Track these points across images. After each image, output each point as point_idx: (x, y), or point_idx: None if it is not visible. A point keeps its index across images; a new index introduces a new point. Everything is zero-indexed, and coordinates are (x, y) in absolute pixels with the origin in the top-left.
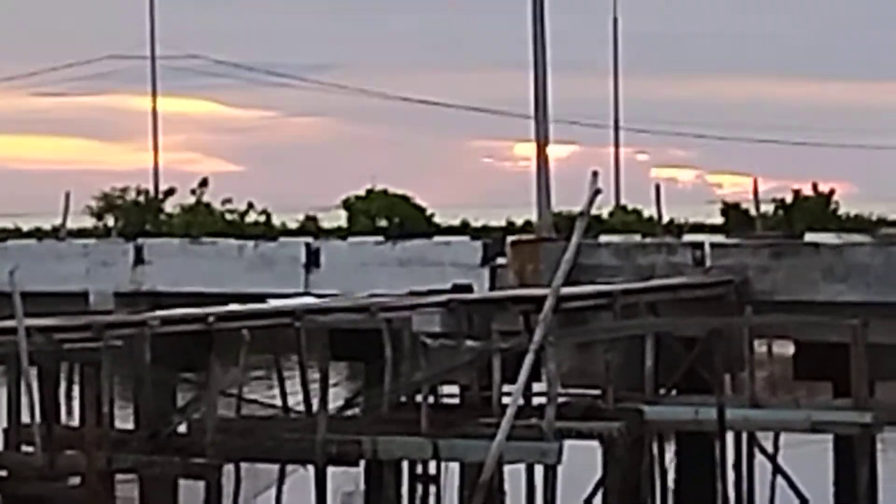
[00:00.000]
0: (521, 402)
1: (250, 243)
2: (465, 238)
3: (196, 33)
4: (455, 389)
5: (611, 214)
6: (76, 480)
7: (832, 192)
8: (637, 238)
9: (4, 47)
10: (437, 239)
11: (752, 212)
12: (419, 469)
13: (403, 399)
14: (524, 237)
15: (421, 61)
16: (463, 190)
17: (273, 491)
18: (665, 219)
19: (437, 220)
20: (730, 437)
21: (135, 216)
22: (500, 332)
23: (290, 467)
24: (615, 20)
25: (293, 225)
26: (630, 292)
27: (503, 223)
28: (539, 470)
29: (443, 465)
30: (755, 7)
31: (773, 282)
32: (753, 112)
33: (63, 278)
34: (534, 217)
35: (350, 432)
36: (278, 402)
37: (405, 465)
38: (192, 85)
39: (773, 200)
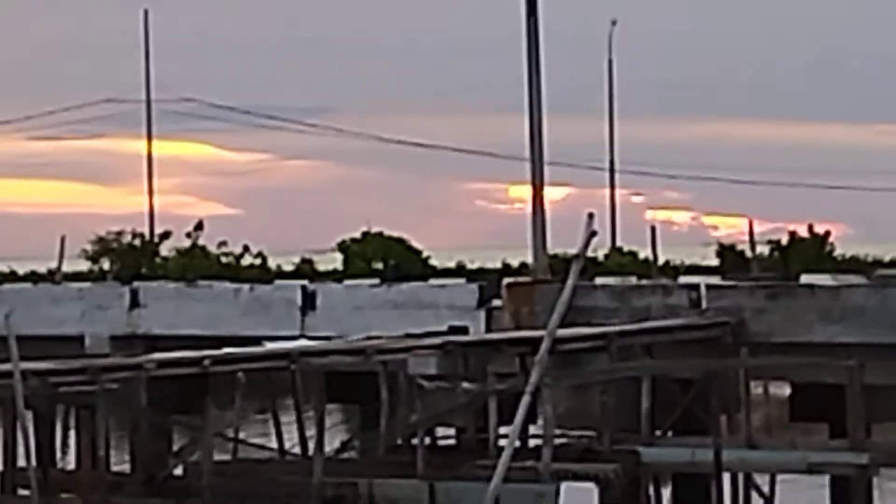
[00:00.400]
0: (517, 444)
1: (246, 286)
2: (461, 280)
3: (191, 77)
4: (451, 431)
5: (606, 256)
6: None
7: (828, 233)
8: (633, 280)
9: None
10: (432, 281)
11: (748, 253)
12: None
13: (399, 441)
14: (520, 279)
15: (416, 104)
16: (458, 232)
17: None
18: (661, 260)
19: (432, 262)
20: (726, 478)
21: (130, 259)
22: (497, 374)
23: None
24: (610, 62)
25: (289, 268)
26: (626, 334)
27: (499, 265)
28: None
29: None
30: (749, 50)
31: (770, 323)
32: (749, 154)
33: (59, 322)
34: (529, 259)
35: (346, 475)
36: (274, 444)
37: None
38: (188, 128)
39: (769, 242)
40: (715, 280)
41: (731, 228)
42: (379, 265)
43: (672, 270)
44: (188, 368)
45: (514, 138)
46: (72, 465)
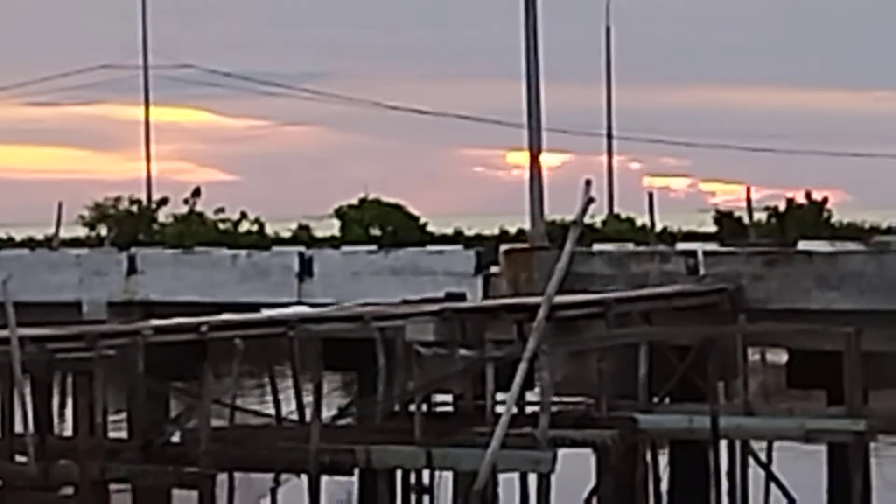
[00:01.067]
0: (514, 410)
1: (243, 253)
2: (459, 247)
3: (188, 43)
4: (448, 398)
5: (604, 223)
6: (69, 490)
7: (825, 200)
8: (630, 246)
9: None
10: (430, 248)
11: (746, 220)
12: (413, 478)
13: (397, 408)
14: (517, 246)
15: (413, 70)
16: (456, 199)
17: (267, 500)
18: (658, 227)
19: (430, 228)
20: (723, 445)
21: (128, 226)
22: (494, 341)
23: (283, 476)
24: (608, 29)
25: (286, 234)
26: (623, 301)
27: (496, 232)
28: (533, 478)
29: (436, 473)
30: (748, 16)
31: (767, 290)
32: (746, 120)
33: (56, 288)
34: (527, 226)
35: (343, 441)
36: (272, 411)
37: (399, 474)
38: (185, 94)
39: (767, 208)
40: (712, 247)
41: (728, 195)
42: (376, 231)
43: (669, 237)
44: (185, 335)
45: (512, 105)
46: (69, 432)
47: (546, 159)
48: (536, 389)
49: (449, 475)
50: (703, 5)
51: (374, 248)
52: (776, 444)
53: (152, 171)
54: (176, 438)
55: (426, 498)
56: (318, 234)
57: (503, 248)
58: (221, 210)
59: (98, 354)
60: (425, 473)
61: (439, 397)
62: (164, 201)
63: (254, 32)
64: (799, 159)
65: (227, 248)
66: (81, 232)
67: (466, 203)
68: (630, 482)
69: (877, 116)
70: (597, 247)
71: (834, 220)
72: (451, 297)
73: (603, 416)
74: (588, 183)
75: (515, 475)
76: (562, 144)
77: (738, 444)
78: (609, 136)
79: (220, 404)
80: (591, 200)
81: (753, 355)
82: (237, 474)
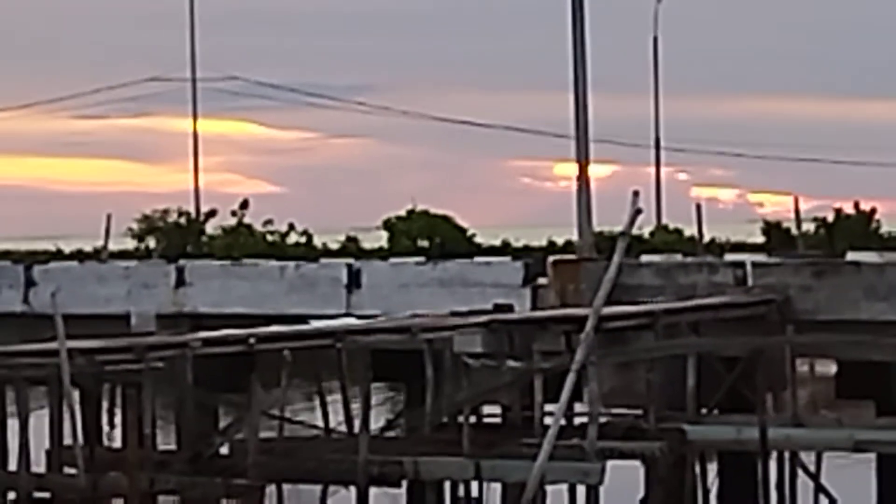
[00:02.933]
0: (562, 422)
1: (291, 264)
2: (506, 258)
3: (236, 55)
4: (497, 409)
5: (652, 234)
6: (119, 502)
7: (874, 210)
8: (678, 257)
9: (46, 70)
10: (477, 259)
11: (794, 231)
12: (461, 490)
13: (445, 419)
14: (565, 257)
15: (461, 82)
16: (503, 210)
17: None
18: (706, 238)
19: (477, 240)
20: (772, 456)
21: (176, 238)
22: (542, 352)
23: (331, 488)
24: (655, 39)
25: (334, 246)
26: (672, 312)
27: (544, 243)
28: (581, 490)
29: (485, 485)
30: (797, 27)
31: (815, 301)
32: (794, 131)
33: (104, 300)
34: (574, 237)
35: (392, 453)
36: (320, 423)
37: (447, 485)
38: (233, 106)
39: (815, 219)
40: (761, 257)
41: (776, 205)
42: (424, 243)
43: (717, 248)
44: (234, 346)
45: (560, 116)
46: (118, 444)
47: (594, 170)
48: (584, 400)
49: (497, 487)
50: (752, 15)
51: (422, 259)
52: (825, 456)
53: (200, 183)
54: (224, 450)
55: None
56: (366, 245)
57: (551, 259)
58: (269, 222)
59: (147, 366)
60: (473, 485)
61: (487, 409)
62: (212, 213)
63: (302, 44)
64: (847, 169)
65: (275, 259)
66: (130, 244)
67: (514, 214)
68: (678, 494)
69: None
70: (645, 258)
71: (882, 230)
72: (499, 308)
73: (651, 427)
74: (636, 194)
75: (564, 487)
76: (609, 155)
77: (786, 455)
78: (657, 147)
79: (268, 416)
80: (638, 211)
81: (802, 366)
82: (285, 486)
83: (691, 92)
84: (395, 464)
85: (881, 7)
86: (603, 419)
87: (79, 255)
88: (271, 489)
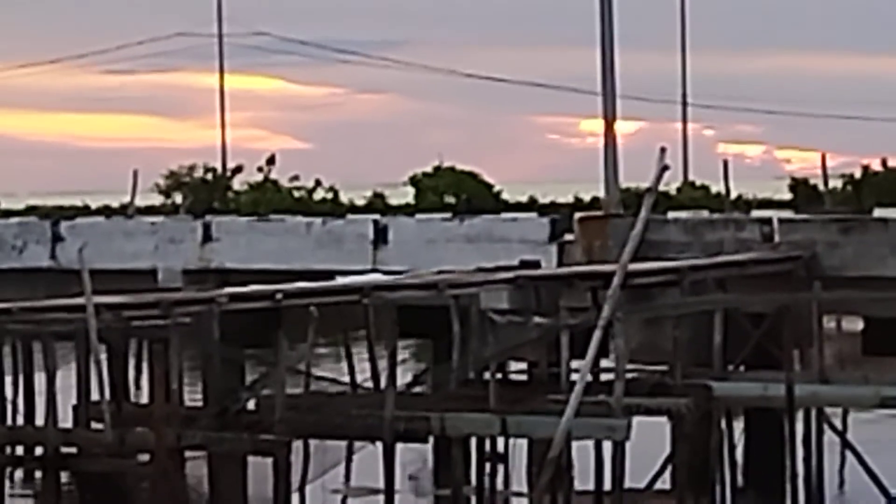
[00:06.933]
0: (589, 378)
1: (318, 220)
2: (533, 214)
3: (264, 10)
4: (523, 366)
5: (678, 190)
6: (145, 457)
7: None
8: (705, 214)
9: (75, 26)
10: (504, 215)
11: (821, 187)
12: (487, 445)
13: (471, 376)
14: (592, 213)
15: (488, 37)
16: (530, 166)
17: (341, 467)
18: (733, 194)
19: (504, 196)
20: (799, 412)
21: (203, 194)
22: (568, 309)
23: (358, 444)
24: None
25: (361, 202)
26: (698, 268)
27: (570, 199)
28: (607, 446)
29: (511, 441)
30: None
31: (842, 257)
32: (822, 87)
33: (131, 256)
34: (601, 193)
35: (418, 409)
36: (346, 378)
37: (473, 441)
38: (260, 62)
39: (842, 176)
40: (787, 214)
41: (803, 162)
42: (451, 199)
43: (744, 204)
44: (260, 302)
45: (586, 72)
46: (145, 399)
47: (620, 126)
48: (611, 357)
49: (523, 443)
50: None
51: (448, 215)
52: (851, 412)
53: (227, 138)
54: (251, 406)
55: (500, 465)
56: (393, 201)
57: (577, 215)
58: (296, 178)
59: (173, 322)
60: (500, 441)
61: (514, 365)
62: (238, 169)
63: (329, 0)
64: (875, 126)
65: (302, 215)
66: (157, 200)
67: (541, 171)
68: (705, 450)
69: None
70: (671, 214)
71: None
72: (525, 264)
73: (678, 383)
74: (663, 150)
75: (590, 443)
76: (636, 112)
77: (813, 412)
78: (684, 104)
79: (295, 372)
80: (665, 168)
81: (829, 323)
82: (312, 441)
83: (719, 48)
84: (421, 419)
85: None
86: (629, 375)
87: (106, 211)
88: (297, 444)
